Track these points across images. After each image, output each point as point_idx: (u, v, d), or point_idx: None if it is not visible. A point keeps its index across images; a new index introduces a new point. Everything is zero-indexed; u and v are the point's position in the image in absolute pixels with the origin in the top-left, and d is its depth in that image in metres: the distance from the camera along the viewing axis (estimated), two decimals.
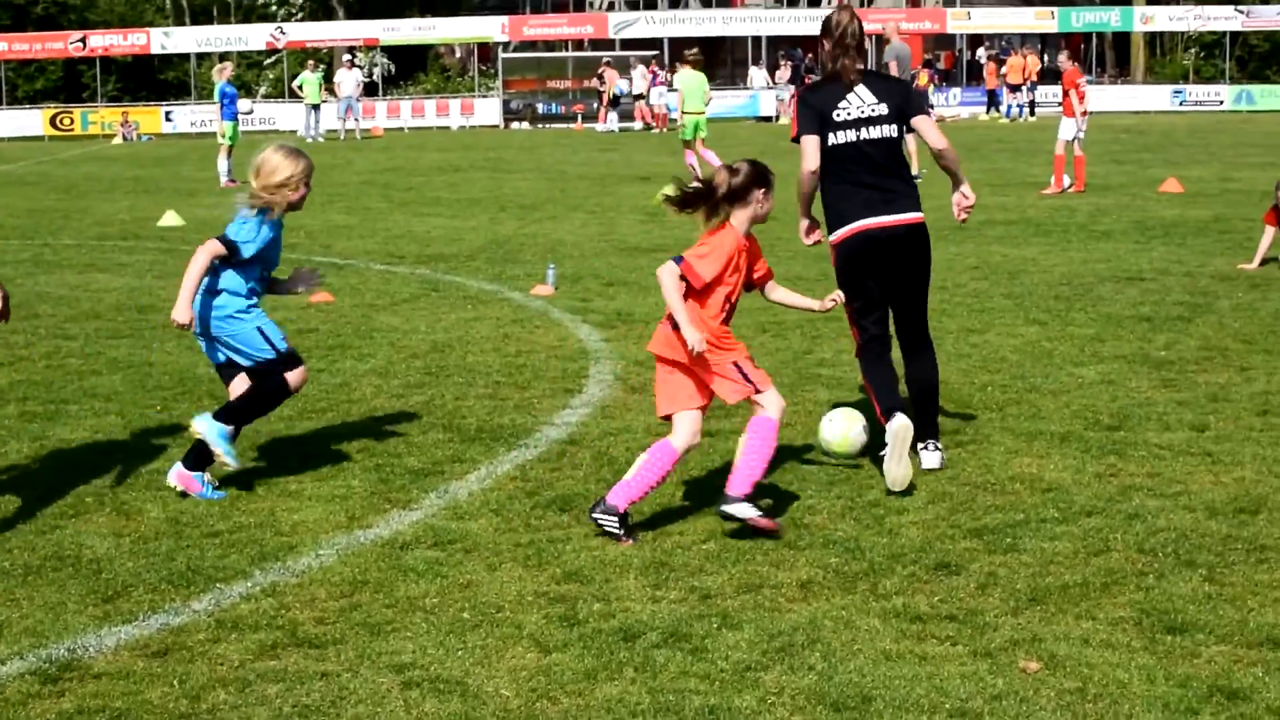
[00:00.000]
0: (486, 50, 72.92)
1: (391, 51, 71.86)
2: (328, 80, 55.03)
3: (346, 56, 56.46)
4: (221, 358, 8.69)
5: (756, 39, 67.36)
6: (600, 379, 11.34)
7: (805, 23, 67.22)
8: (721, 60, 74.80)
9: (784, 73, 63.67)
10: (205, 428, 8.40)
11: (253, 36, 68.04)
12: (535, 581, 6.95)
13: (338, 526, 7.85)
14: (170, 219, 23.24)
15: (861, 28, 8.77)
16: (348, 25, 69.30)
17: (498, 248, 19.21)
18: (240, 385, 8.70)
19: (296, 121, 56.36)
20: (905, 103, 8.78)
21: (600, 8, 77.88)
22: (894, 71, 24.23)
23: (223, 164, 31.74)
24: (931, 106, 48.05)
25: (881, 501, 8.06)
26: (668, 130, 51.97)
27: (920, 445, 8.70)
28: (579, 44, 68.94)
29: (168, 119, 63.46)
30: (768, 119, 59.54)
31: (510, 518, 7.94)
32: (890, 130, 8.66)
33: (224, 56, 73.01)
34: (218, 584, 7.00)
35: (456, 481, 8.63)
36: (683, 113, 29.40)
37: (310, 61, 52.05)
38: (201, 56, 71.65)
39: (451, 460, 9.08)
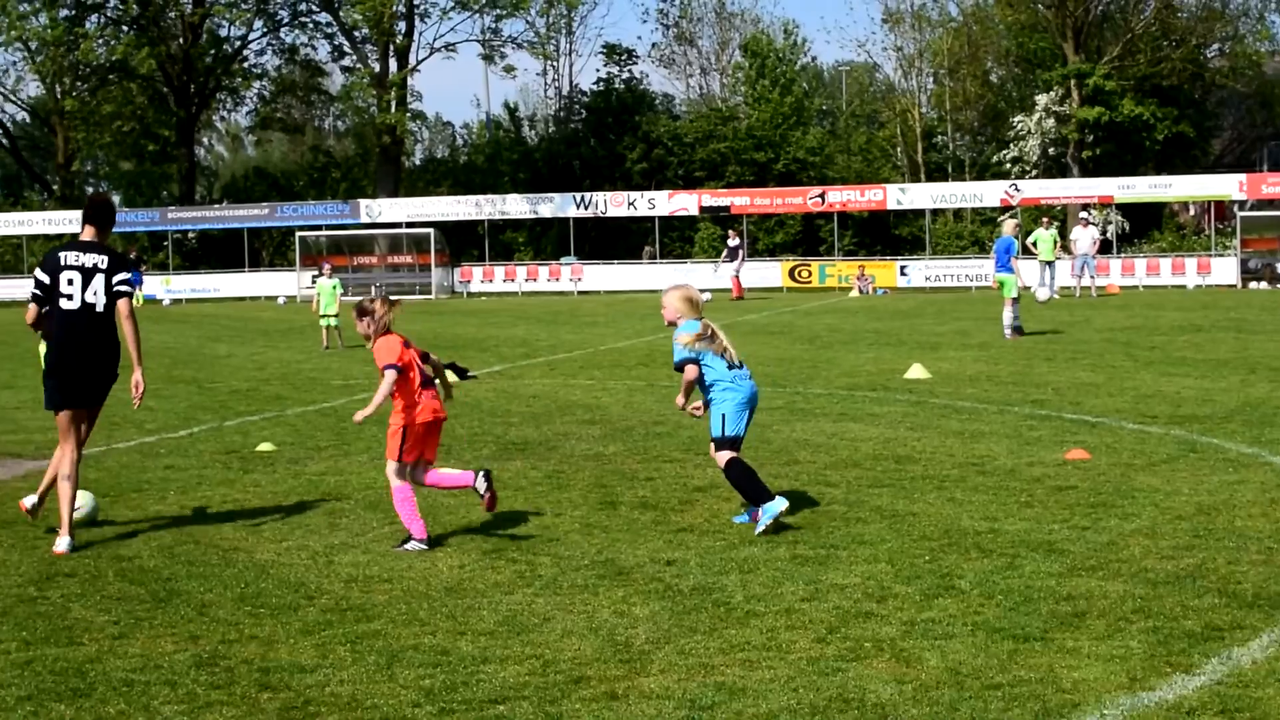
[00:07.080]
0: (1222, 208, 71.45)
1: (1126, 209, 71.34)
2: (1061, 237, 55.09)
3: (1082, 214, 56.32)
4: None
5: None
6: None
7: None
8: None
9: None
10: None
11: (987, 193, 69.07)
12: None
13: (1119, 687, 7.74)
14: (917, 372, 23.64)
15: None
16: (1082, 183, 69.39)
17: (1252, 410, 18.53)
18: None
19: (1030, 278, 56.57)
20: None
21: None
22: None
23: (1008, 315, 31.94)
24: None
25: None
26: None
27: None
28: None
29: (902, 273, 65.03)
30: None
31: None
32: None
33: (958, 214, 74.39)
34: None
35: (1238, 648, 8.36)
36: None
37: (1045, 219, 52.16)
38: (936, 212, 73.30)
39: (1231, 626, 8.82)
